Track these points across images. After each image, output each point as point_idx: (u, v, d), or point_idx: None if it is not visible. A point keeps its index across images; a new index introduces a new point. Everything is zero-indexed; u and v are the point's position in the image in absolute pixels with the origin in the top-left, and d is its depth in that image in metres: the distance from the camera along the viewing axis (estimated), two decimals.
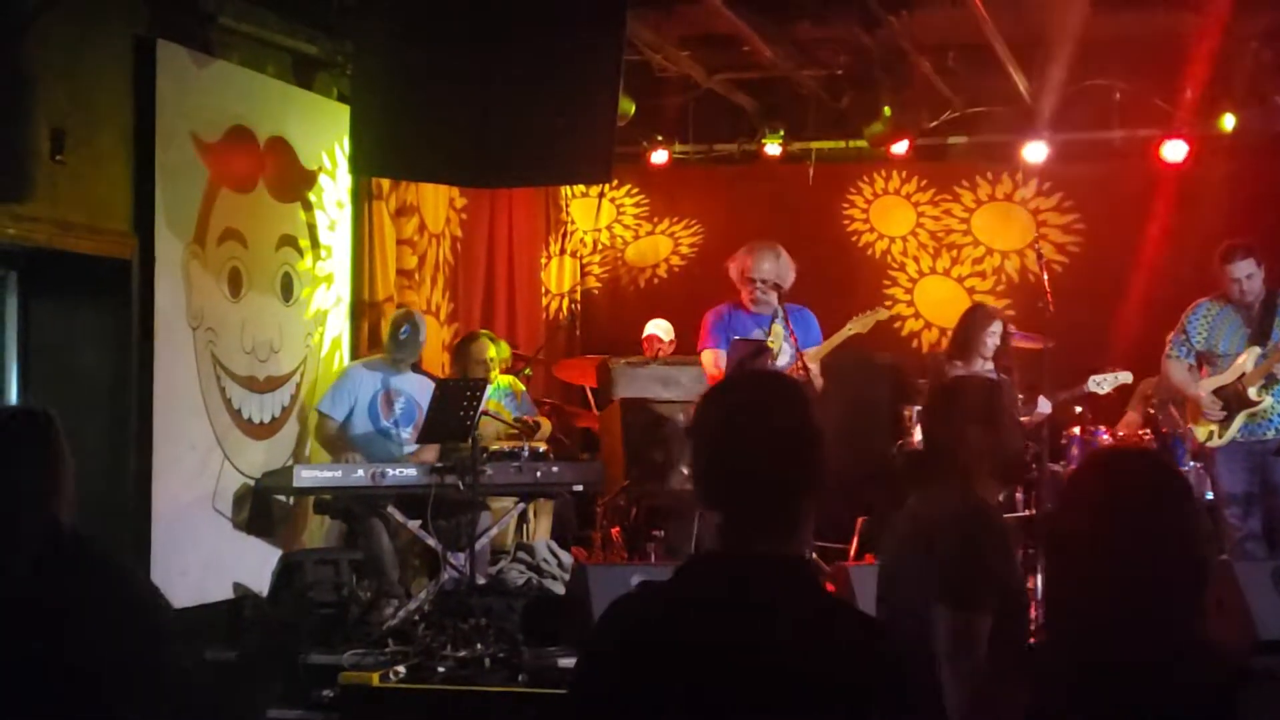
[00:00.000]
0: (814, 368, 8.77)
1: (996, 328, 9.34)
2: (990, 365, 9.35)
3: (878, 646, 2.64)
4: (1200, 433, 8.83)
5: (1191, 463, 9.60)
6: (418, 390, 9.18)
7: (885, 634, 2.72)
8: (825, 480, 2.78)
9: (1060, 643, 2.75)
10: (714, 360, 8.88)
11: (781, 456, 2.70)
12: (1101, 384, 9.36)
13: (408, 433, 9.08)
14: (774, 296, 8.81)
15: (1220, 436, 8.71)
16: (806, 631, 2.60)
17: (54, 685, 3.39)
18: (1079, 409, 10.18)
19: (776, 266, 8.84)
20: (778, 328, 8.79)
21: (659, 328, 11.41)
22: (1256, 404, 8.65)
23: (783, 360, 8.90)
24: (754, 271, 8.81)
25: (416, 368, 9.57)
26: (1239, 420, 8.68)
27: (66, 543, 3.59)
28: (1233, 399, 8.71)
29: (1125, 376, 9.52)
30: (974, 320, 9.47)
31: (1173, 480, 2.85)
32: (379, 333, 10.00)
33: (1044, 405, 9.22)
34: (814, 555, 8.81)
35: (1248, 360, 8.71)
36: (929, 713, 2.66)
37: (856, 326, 9.21)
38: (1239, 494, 8.64)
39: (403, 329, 9.19)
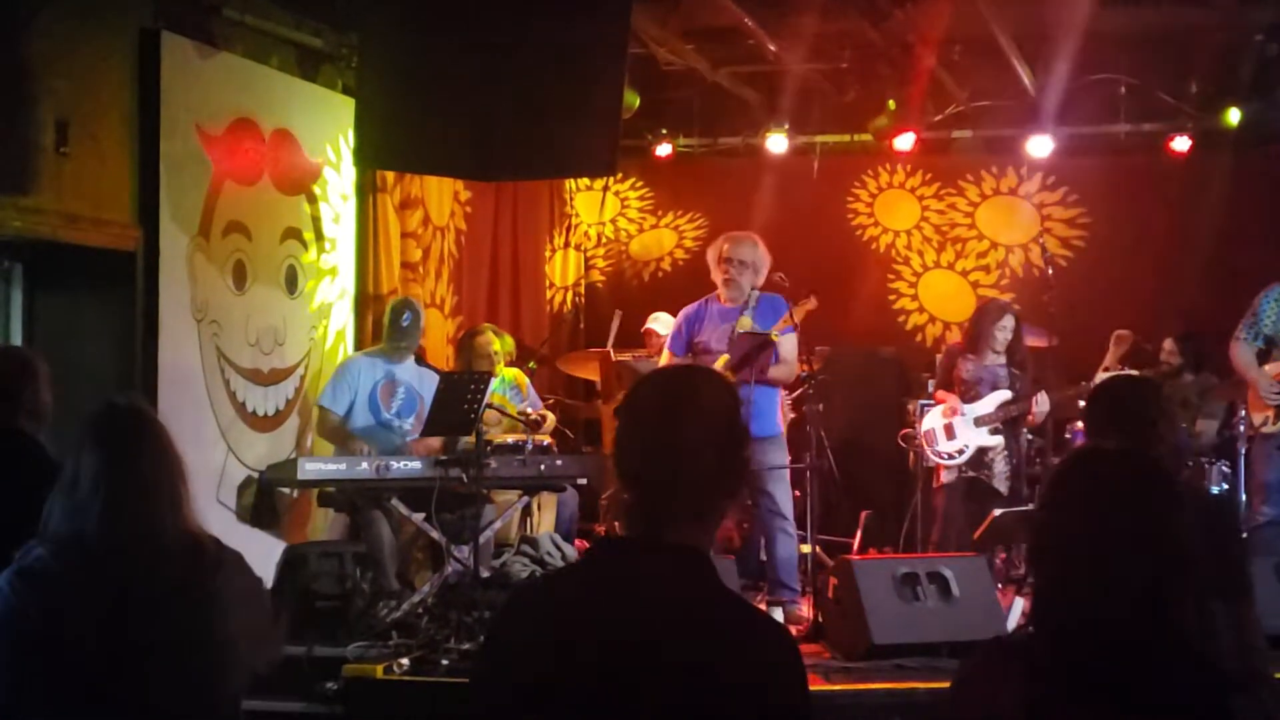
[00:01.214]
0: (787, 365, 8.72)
1: (1008, 322, 9.32)
2: (1002, 359, 9.34)
3: (770, 643, 2.67)
4: (1256, 418, 8.75)
5: (1200, 458, 9.59)
6: (418, 380, 9.17)
7: (783, 631, 2.75)
8: (736, 480, 2.80)
9: (1050, 637, 2.76)
10: (667, 364, 8.81)
11: (709, 451, 2.72)
12: None
13: (409, 423, 9.08)
14: (746, 281, 8.73)
15: (1275, 423, 8.64)
16: (700, 624, 2.62)
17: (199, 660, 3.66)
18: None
19: (753, 252, 8.78)
20: (746, 320, 8.73)
21: (658, 323, 11.38)
22: None
23: None
24: (730, 252, 8.73)
25: (420, 360, 9.56)
26: None
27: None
28: None
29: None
30: (985, 314, 9.47)
31: (1157, 476, 2.85)
32: (383, 325, 10.00)
33: (1044, 403, 9.21)
34: (817, 549, 8.81)
35: None
36: (809, 712, 2.68)
37: (787, 321, 9.08)
38: (1273, 483, 8.60)
39: (404, 316, 9.18)
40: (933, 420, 9.35)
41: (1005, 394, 9.23)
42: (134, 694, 3.59)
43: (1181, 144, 11.35)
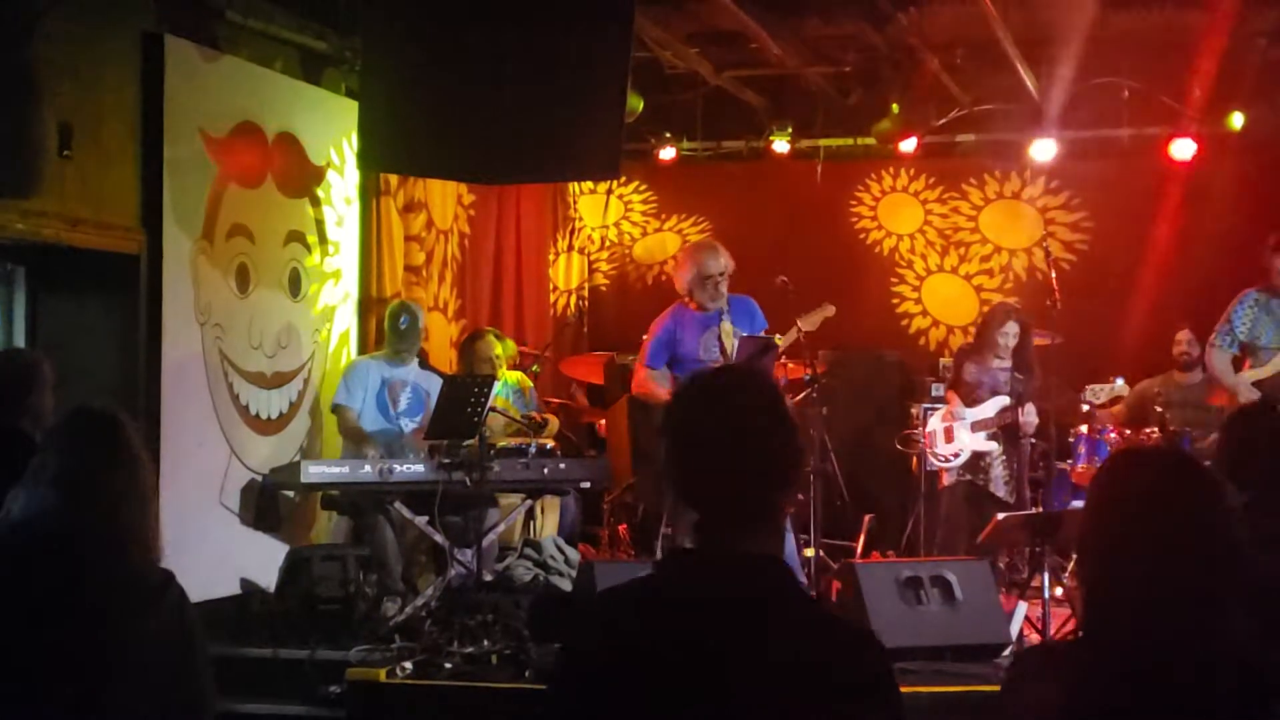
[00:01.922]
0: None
1: (1010, 328, 9.35)
2: (1006, 364, 9.36)
3: (865, 651, 2.64)
4: None
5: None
6: (423, 381, 9.19)
7: (871, 639, 2.71)
8: (801, 478, 2.77)
9: (1097, 642, 2.73)
10: (645, 379, 8.78)
11: (762, 452, 2.68)
12: (1098, 394, 9.34)
13: (415, 423, 9.08)
14: (725, 290, 8.73)
15: None
16: (794, 632, 2.59)
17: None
18: (1086, 407, 10.17)
19: (722, 260, 8.76)
20: (727, 325, 8.72)
21: None
22: None
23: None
24: (710, 269, 8.69)
25: (424, 363, 9.57)
26: None
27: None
28: (1271, 394, 8.61)
29: (1121, 388, 9.50)
30: (990, 319, 9.51)
31: (1204, 477, 2.83)
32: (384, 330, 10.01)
33: (1030, 413, 9.21)
34: (821, 552, 8.81)
35: None
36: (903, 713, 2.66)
37: (806, 325, 9.11)
38: None
39: (401, 319, 9.19)
40: (936, 422, 9.39)
41: (1004, 400, 9.25)
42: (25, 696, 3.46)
43: (1184, 148, 11.34)
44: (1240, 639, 2.70)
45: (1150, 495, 2.75)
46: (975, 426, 9.24)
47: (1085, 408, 10.10)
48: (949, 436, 9.27)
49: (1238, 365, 8.86)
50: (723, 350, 8.62)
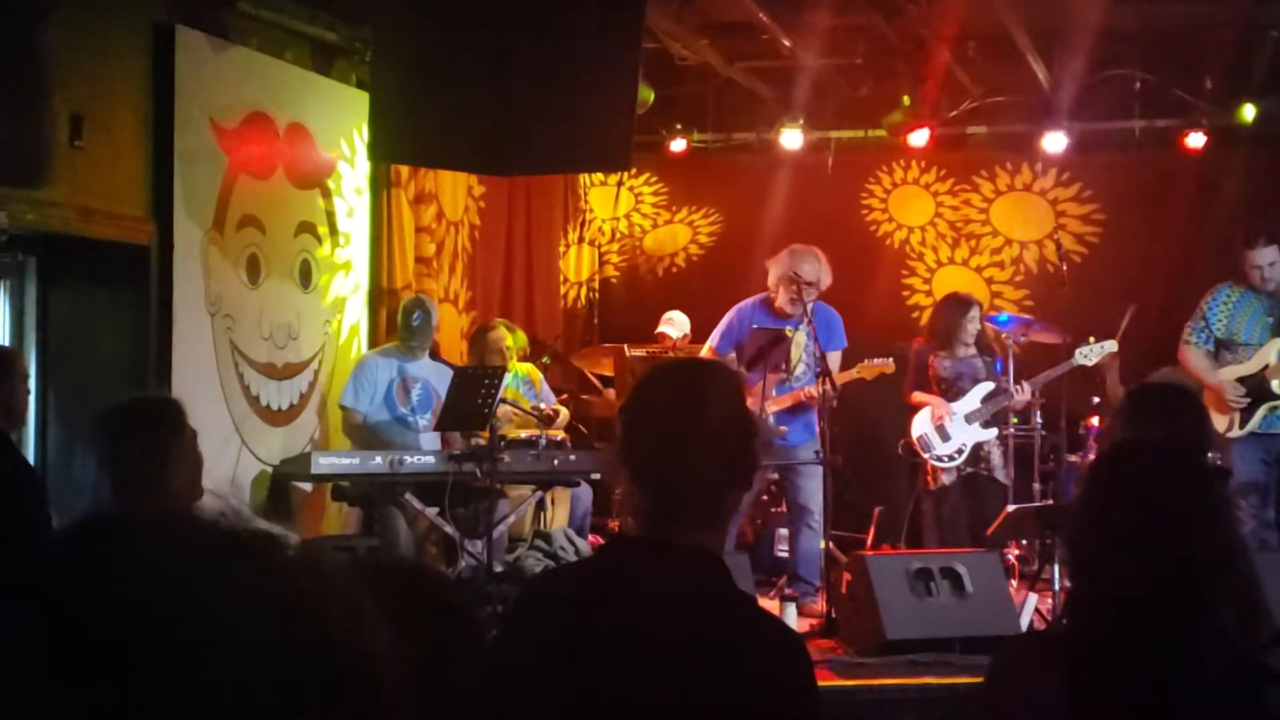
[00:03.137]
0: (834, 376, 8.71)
1: (975, 313, 9.44)
2: (974, 351, 9.40)
3: (791, 652, 2.66)
4: (1220, 422, 8.71)
5: (1208, 454, 9.55)
6: (433, 376, 9.19)
7: (793, 635, 2.74)
8: (746, 475, 2.77)
9: (1090, 628, 2.74)
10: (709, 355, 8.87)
11: (718, 447, 2.69)
12: (1088, 355, 9.28)
13: (425, 419, 9.09)
14: (810, 299, 8.78)
15: (1240, 427, 8.60)
16: (706, 627, 2.60)
17: None
18: (1096, 400, 10.16)
19: (818, 269, 8.83)
20: (801, 336, 8.77)
21: (670, 325, 11.34)
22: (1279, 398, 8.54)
23: (801, 369, 8.90)
24: (798, 271, 8.73)
25: (435, 355, 9.58)
26: (1260, 413, 8.56)
27: None
28: (1255, 390, 8.56)
29: (1110, 345, 9.43)
30: (952, 309, 9.52)
31: (1200, 470, 2.83)
32: (396, 323, 10.01)
33: (1025, 391, 9.24)
34: (831, 545, 8.81)
35: (1271, 352, 8.58)
36: (818, 715, 2.67)
37: (863, 372, 9.15)
38: (1256, 484, 8.57)
39: (415, 315, 9.20)
40: (922, 424, 9.34)
41: (988, 385, 9.28)
42: None
43: (1196, 140, 11.32)
44: (1234, 628, 2.71)
45: (1149, 487, 2.76)
46: (970, 418, 9.25)
47: (1096, 400, 10.09)
48: (944, 435, 9.27)
49: (1212, 362, 8.79)
50: (787, 360, 8.67)
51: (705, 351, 9.00)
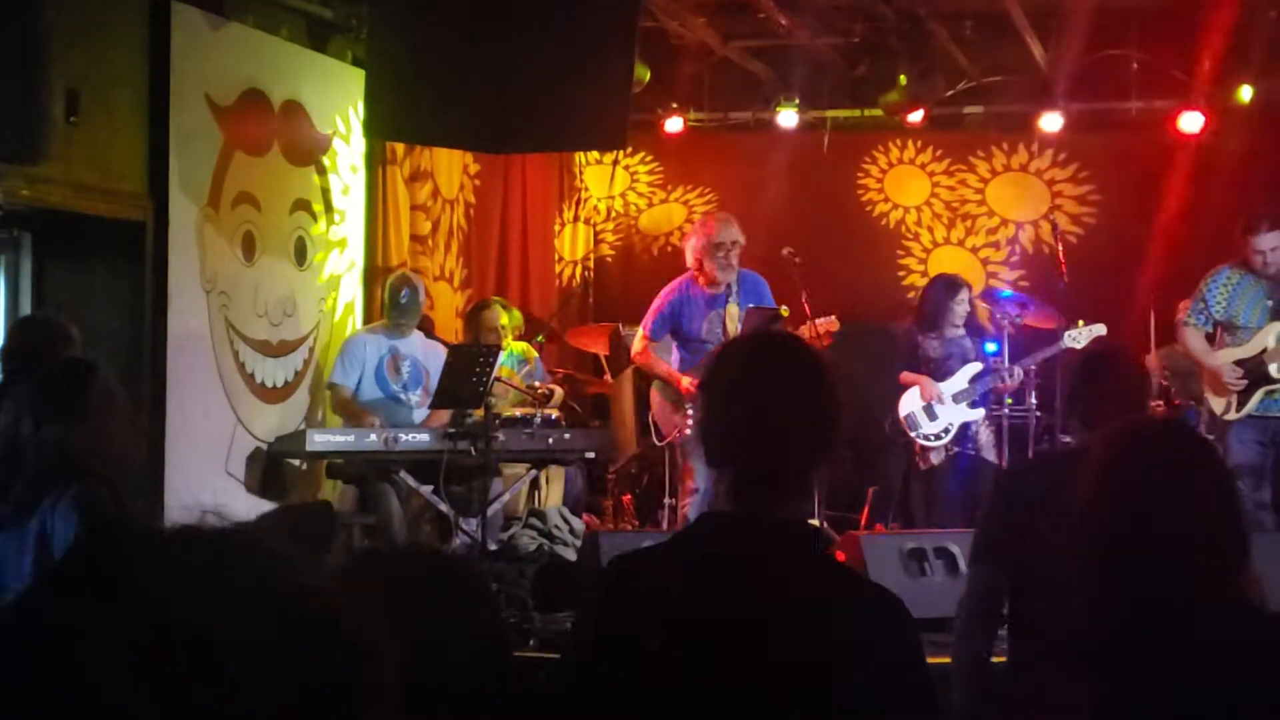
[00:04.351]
0: None
1: (964, 295, 9.44)
2: (962, 331, 9.42)
3: (893, 616, 2.64)
4: (1217, 404, 8.73)
5: (1206, 436, 9.58)
6: (421, 353, 9.20)
7: (899, 605, 2.70)
8: (838, 448, 2.75)
9: (1107, 607, 2.73)
10: (645, 349, 8.85)
11: (805, 419, 2.65)
12: (1077, 338, 9.28)
13: (416, 395, 9.10)
14: (736, 263, 8.76)
15: (1237, 409, 8.61)
16: (821, 597, 2.59)
17: None
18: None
19: (733, 230, 8.78)
20: (734, 308, 8.73)
21: None
22: (1278, 381, 8.52)
23: None
24: (722, 236, 8.72)
25: (429, 333, 9.58)
26: (1258, 396, 8.55)
27: None
28: (1253, 373, 8.56)
29: (1099, 329, 9.43)
30: (943, 290, 9.52)
31: (1203, 447, 2.83)
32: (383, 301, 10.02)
33: (1015, 376, 9.27)
34: (825, 524, 8.82)
35: (1269, 336, 8.58)
36: (930, 688, 2.66)
37: (808, 332, 9.10)
38: (1252, 465, 8.58)
39: (402, 293, 9.20)
40: (910, 404, 9.35)
41: (976, 365, 9.30)
42: None
43: (1193, 121, 11.30)
44: (1249, 601, 2.71)
45: (1159, 465, 2.75)
46: (956, 398, 9.27)
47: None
48: (931, 415, 9.28)
49: (1211, 344, 8.80)
50: (725, 333, 8.63)
51: (638, 338, 8.96)
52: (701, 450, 2.72)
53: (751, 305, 8.67)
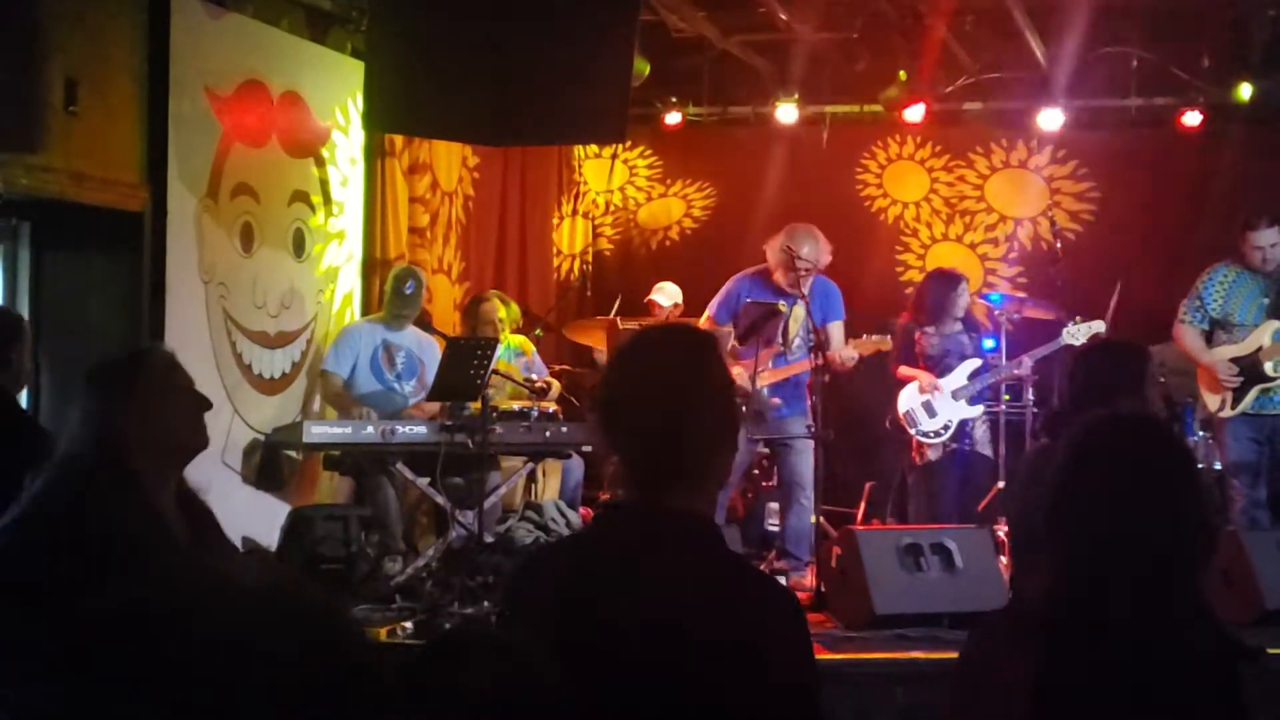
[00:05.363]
0: (839, 353, 8.75)
1: (963, 289, 9.47)
2: (960, 327, 9.43)
3: (778, 605, 2.67)
4: (1212, 402, 8.73)
5: (1200, 433, 9.58)
6: (416, 345, 9.20)
7: (786, 593, 2.74)
8: (734, 438, 2.76)
9: (1068, 604, 2.74)
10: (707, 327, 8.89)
11: (706, 410, 2.70)
12: (1076, 334, 9.29)
13: (411, 387, 9.10)
14: (811, 278, 8.82)
15: (1232, 407, 8.61)
16: (703, 591, 2.61)
17: None
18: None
19: (816, 250, 8.83)
20: (800, 310, 8.78)
21: (661, 294, 11.35)
22: (1273, 380, 8.52)
23: (797, 343, 8.91)
24: (798, 253, 8.73)
25: (427, 326, 9.57)
26: (1253, 393, 8.56)
27: None
28: (1248, 370, 8.56)
29: (1098, 325, 9.44)
30: (942, 284, 9.52)
31: (1174, 444, 2.84)
32: (386, 292, 10.00)
33: (1025, 366, 9.30)
34: (822, 519, 8.82)
35: (1265, 334, 8.58)
36: (815, 674, 2.68)
37: (860, 348, 9.16)
38: (1248, 463, 8.59)
39: (407, 284, 9.20)
40: (909, 400, 9.35)
41: (975, 362, 9.31)
42: None
43: (1192, 119, 11.32)
44: (1209, 605, 2.72)
45: (1128, 460, 2.76)
46: (955, 395, 9.27)
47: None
48: (930, 410, 9.29)
49: (1207, 341, 8.80)
50: (785, 335, 8.68)
51: (703, 321, 8.99)
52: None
53: (750, 299, 8.67)
